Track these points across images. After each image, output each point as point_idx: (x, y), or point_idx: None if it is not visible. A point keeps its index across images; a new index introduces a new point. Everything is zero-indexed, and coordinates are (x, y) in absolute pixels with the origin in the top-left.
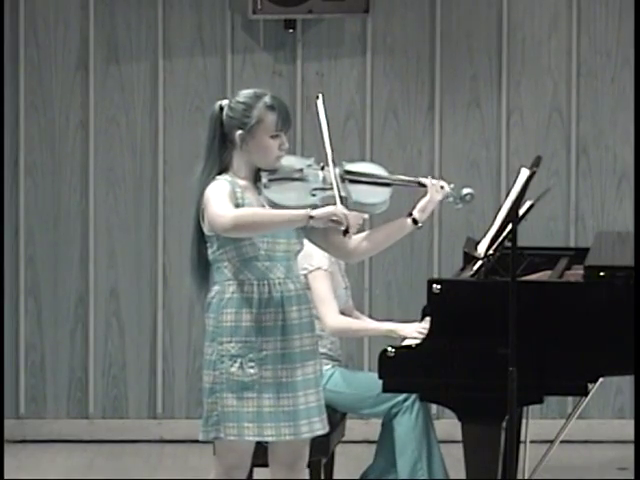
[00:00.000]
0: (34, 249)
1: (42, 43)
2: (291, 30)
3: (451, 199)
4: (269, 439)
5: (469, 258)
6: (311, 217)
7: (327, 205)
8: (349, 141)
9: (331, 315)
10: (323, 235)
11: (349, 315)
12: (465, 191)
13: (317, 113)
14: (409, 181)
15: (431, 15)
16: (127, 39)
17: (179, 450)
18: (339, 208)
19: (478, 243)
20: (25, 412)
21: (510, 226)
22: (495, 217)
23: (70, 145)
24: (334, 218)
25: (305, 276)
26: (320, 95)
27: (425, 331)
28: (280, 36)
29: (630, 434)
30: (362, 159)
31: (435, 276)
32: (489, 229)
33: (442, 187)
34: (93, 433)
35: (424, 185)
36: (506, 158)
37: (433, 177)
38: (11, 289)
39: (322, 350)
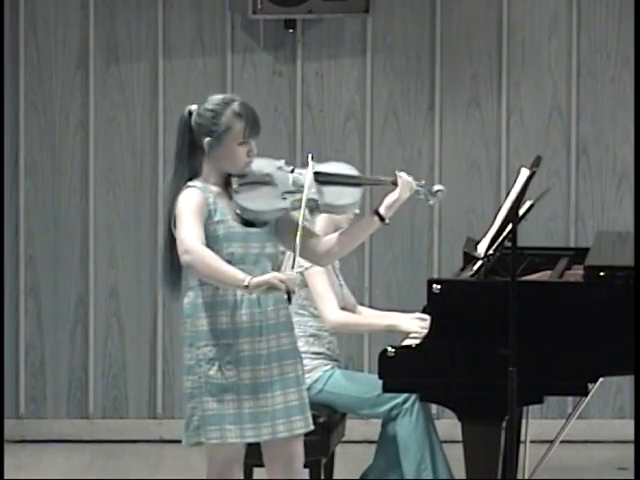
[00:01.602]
0: (34, 249)
1: (42, 43)
2: (291, 30)
3: (422, 196)
4: (249, 440)
5: (469, 258)
6: (246, 286)
7: (295, 210)
8: (349, 141)
9: (331, 310)
10: (288, 239)
11: (351, 312)
12: (436, 187)
13: (308, 169)
14: (380, 180)
15: (431, 15)
16: (127, 39)
17: (179, 450)
18: (277, 275)
19: (478, 243)
20: (25, 412)
21: (510, 226)
22: (495, 217)
23: (70, 145)
24: (271, 286)
25: (301, 274)
26: (311, 155)
27: (425, 324)
28: (280, 36)
29: (630, 434)
30: (362, 159)
31: (435, 276)
32: (489, 229)
33: (410, 185)
34: (93, 433)
35: (396, 183)
36: (506, 158)
37: (402, 171)
38: (11, 289)
39: (320, 350)
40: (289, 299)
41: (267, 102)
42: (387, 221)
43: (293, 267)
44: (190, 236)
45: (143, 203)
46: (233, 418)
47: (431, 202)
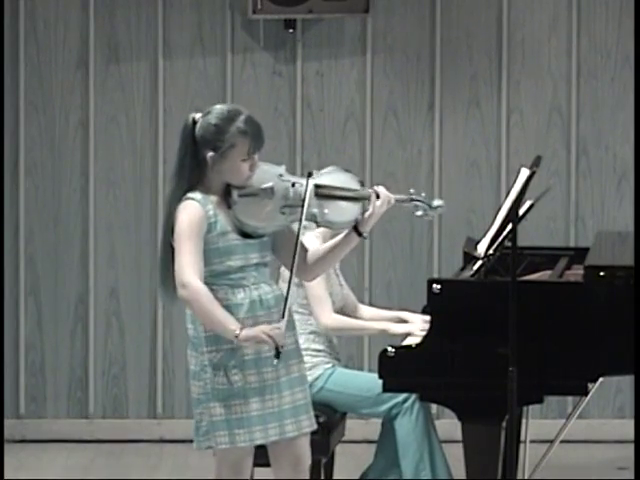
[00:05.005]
0: (34, 249)
1: (42, 43)
2: (291, 30)
3: (421, 212)
4: (259, 442)
5: (469, 258)
6: (236, 337)
7: (294, 222)
8: (349, 141)
9: (326, 314)
10: (284, 254)
11: (353, 312)
12: (436, 203)
13: (305, 188)
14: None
15: (431, 15)
16: (127, 39)
17: (179, 450)
18: (265, 330)
19: (478, 243)
20: (25, 412)
21: (510, 226)
22: (495, 217)
23: (70, 145)
24: (260, 340)
25: None
26: (313, 172)
27: (423, 325)
28: (280, 36)
29: (630, 434)
30: (362, 159)
31: (435, 276)
32: (489, 229)
33: (387, 199)
34: (93, 433)
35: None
36: (506, 158)
37: (379, 185)
38: (11, 289)
39: (321, 347)
40: (277, 355)
41: (267, 102)
42: (365, 235)
43: (283, 316)
44: (188, 268)
45: (143, 203)
46: (241, 422)
47: (429, 217)
